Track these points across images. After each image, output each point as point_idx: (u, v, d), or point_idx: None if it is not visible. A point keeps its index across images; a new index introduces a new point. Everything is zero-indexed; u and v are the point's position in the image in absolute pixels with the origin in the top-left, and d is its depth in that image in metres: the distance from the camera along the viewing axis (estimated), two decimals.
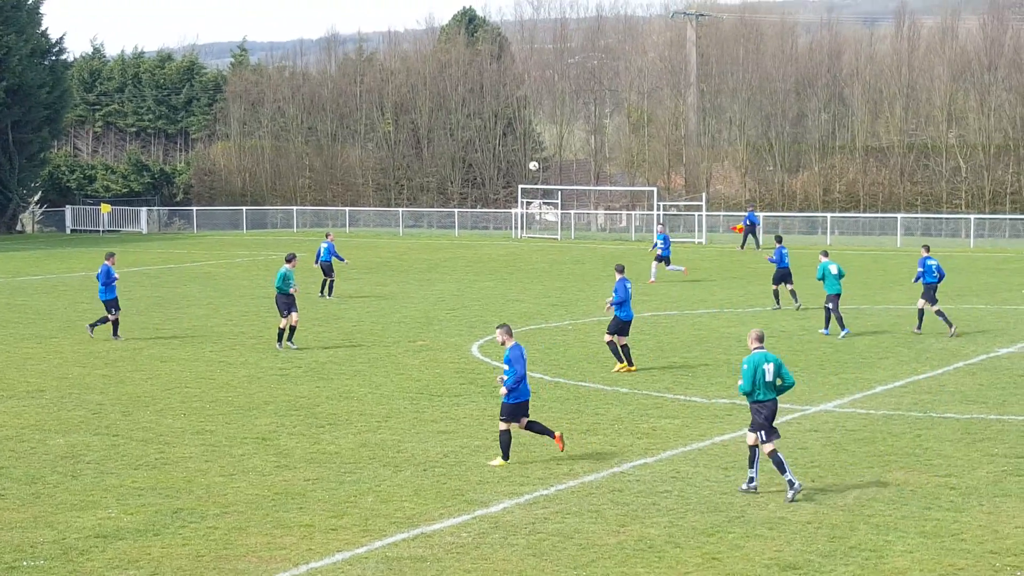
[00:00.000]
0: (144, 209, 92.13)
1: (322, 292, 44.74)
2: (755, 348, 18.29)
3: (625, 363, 28.51)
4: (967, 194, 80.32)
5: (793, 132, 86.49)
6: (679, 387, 26.41)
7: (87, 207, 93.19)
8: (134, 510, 17.20)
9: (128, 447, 20.97)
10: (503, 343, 19.97)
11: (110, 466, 19.73)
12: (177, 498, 17.81)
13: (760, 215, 72.69)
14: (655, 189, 79.66)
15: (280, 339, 32.25)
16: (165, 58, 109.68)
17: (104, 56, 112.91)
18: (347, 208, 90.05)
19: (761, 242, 66.85)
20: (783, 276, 39.71)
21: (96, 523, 16.62)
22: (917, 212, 79.01)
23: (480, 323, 36.95)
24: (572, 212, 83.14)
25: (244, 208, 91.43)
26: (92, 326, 34.50)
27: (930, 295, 33.75)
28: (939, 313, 33.60)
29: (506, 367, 19.63)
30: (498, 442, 19.86)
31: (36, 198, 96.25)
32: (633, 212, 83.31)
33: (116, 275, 34.42)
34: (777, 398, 18.22)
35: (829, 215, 77.19)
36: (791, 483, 17.65)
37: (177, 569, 14.77)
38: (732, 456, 20.09)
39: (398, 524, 16.50)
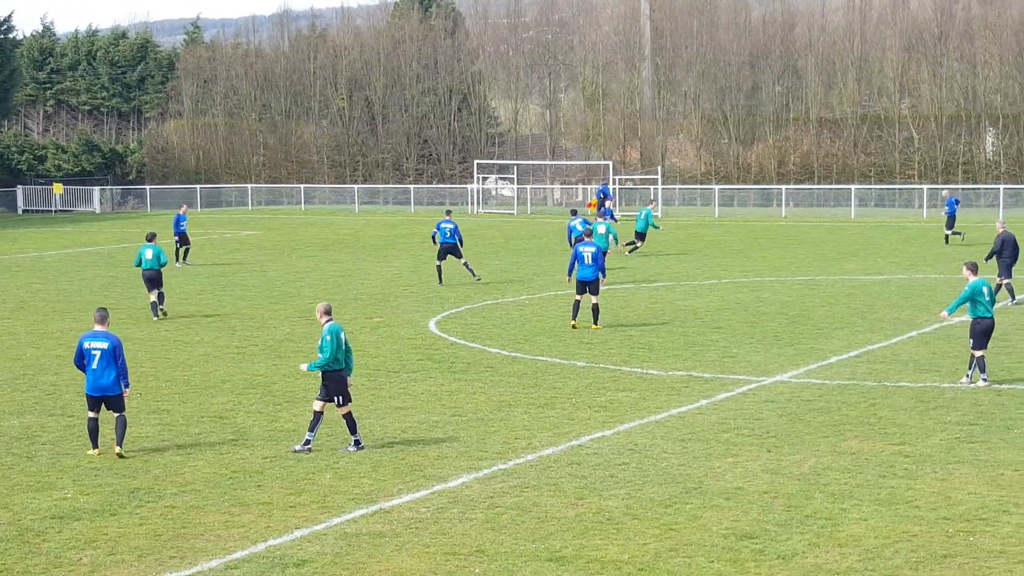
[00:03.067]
0: (97, 188, 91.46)
1: (178, 259, 47.65)
2: (326, 321, 19.21)
3: (574, 322, 30.76)
4: (920, 164, 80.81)
5: (747, 104, 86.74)
6: (636, 360, 26.49)
7: (39, 187, 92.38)
8: (90, 490, 17.12)
9: (83, 428, 20.80)
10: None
11: (66, 447, 19.63)
12: (134, 478, 17.74)
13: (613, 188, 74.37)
14: (610, 163, 79.82)
15: (155, 311, 33.53)
16: (119, 36, 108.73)
17: (55, 34, 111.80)
18: (302, 185, 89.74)
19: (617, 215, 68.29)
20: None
21: (52, 504, 16.53)
22: (871, 183, 79.47)
23: (437, 299, 36.92)
24: (528, 187, 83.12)
25: (198, 186, 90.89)
26: None
27: (455, 252, 39.75)
28: (465, 264, 40.15)
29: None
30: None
31: None
32: (589, 186, 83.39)
33: None
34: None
35: (784, 187, 77.55)
36: (357, 442, 19.09)
37: (135, 548, 14.72)
38: (689, 428, 20.18)
39: (356, 500, 16.51)
